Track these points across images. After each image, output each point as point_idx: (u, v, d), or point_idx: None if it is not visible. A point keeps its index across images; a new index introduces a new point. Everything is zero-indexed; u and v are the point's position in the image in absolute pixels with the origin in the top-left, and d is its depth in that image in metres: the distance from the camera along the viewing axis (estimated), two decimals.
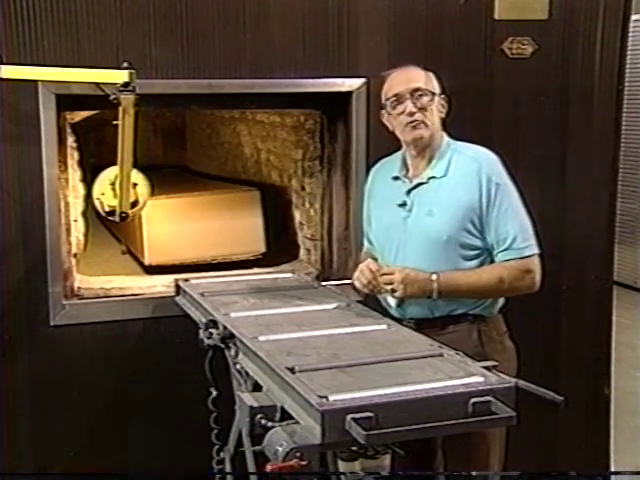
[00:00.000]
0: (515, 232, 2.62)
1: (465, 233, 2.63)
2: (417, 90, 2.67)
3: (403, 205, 2.73)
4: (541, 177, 3.54)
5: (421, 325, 2.66)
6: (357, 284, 2.74)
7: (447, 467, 2.78)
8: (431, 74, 2.74)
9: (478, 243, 2.65)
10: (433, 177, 2.69)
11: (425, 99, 2.66)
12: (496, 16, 3.37)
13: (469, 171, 2.65)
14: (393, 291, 2.63)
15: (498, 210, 2.62)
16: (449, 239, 2.63)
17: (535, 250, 2.66)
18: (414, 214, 2.70)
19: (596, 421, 3.78)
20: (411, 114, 2.66)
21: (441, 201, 2.66)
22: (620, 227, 4.78)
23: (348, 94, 3.27)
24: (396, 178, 2.79)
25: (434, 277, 2.60)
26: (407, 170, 2.78)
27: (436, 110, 2.70)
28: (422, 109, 2.66)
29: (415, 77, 2.70)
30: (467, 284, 2.63)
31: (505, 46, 3.40)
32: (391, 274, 2.63)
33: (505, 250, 2.63)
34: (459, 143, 2.75)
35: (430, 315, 2.70)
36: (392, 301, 2.71)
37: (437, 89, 2.72)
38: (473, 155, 2.69)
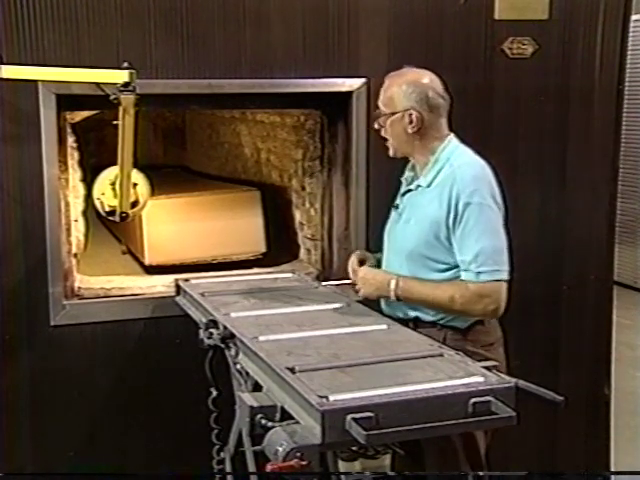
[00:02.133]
0: (474, 254, 2.54)
1: (429, 247, 2.62)
2: (377, 109, 2.73)
3: (396, 208, 2.77)
4: (541, 177, 3.54)
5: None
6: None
7: (425, 459, 2.73)
8: (405, 87, 2.63)
9: (445, 258, 2.61)
10: (420, 186, 2.69)
11: (381, 119, 2.70)
12: (496, 16, 3.37)
13: (444, 186, 2.60)
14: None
15: (462, 230, 2.56)
16: (413, 250, 2.64)
17: (497, 276, 2.54)
18: (402, 219, 2.73)
19: (596, 421, 3.78)
20: (376, 131, 2.76)
21: (418, 211, 2.67)
22: (620, 227, 4.77)
23: (348, 94, 3.27)
24: (400, 177, 2.81)
25: (393, 281, 2.63)
26: (414, 172, 2.77)
27: (395, 127, 2.66)
28: (382, 127, 2.72)
29: (385, 93, 2.70)
30: (420, 294, 2.62)
31: (505, 46, 3.40)
32: (357, 272, 2.76)
33: (465, 270, 2.57)
34: (457, 150, 2.69)
35: (403, 316, 2.71)
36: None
37: (404, 105, 2.63)
38: (454, 169, 2.62)
